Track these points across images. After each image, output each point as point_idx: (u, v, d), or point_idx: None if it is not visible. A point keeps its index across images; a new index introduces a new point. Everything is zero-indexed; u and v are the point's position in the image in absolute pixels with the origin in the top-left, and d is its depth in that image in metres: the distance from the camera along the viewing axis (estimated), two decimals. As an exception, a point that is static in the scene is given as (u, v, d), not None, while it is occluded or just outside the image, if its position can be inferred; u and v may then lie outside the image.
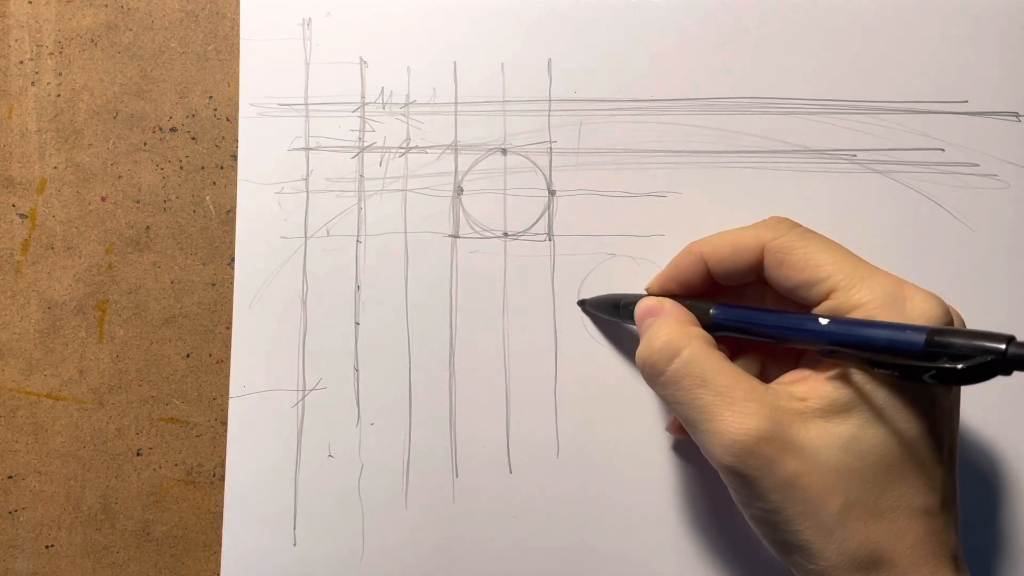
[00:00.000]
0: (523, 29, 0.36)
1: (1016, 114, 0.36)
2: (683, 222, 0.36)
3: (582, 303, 0.35)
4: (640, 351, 0.30)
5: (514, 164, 0.36)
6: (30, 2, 0.37)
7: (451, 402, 0.36)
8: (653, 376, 0.29)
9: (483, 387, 0.36)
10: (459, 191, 0.36)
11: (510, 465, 0.35)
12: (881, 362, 0.25)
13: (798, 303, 0.29)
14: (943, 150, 0.36)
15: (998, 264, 0.35)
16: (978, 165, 0.36)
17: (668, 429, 0.35)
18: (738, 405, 0.27)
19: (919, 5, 0.36)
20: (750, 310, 0.29)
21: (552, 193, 0.36)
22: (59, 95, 0.37)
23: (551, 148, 0.36)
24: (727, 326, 0.30)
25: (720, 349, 0.29)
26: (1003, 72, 0.36)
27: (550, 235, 0.36)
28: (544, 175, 0.36)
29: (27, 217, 0.37)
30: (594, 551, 0.35)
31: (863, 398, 0.26)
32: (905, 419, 0.26)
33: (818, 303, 0.28)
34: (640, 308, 0.31)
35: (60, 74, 0.37)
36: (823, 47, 0.36)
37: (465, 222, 0.36)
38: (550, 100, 0.36)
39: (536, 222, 0.36)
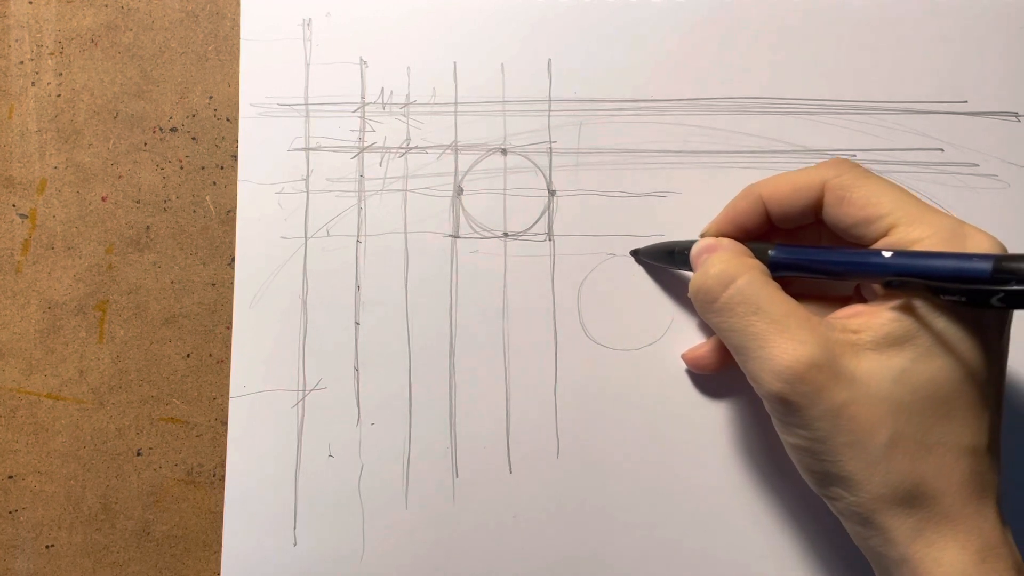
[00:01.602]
0: (523, 29, 0.36)
1: (1016, 114, 0.36)
2: (683, 222, 0.36)
3: (635, 252, 0.35)
4: (694, 279, 0.30)
5: (514, 164, 0.36)
6: (30, 2, 0.37)
7: (451, 402, 0.36)
8: (707, 302, 0.29)
9: (483, 387, 0.36)
10: (459, 191, 0.36)
11: (510, 465, 0.35)
12: (947, 288, 0.25)
13: (855, 243, 0.30)
14: (943, 150, 0.36)
15: (998, 264, 0.35)
16: (978, 165, 0.36)
17: (685, 357, 0.35)
18: (791, 333, 0.27)
19: (919, 5, 0.36)
20: (810, 248, 0.30)
21: (552, 193, 0.36)
22: (59, 95, 0.37)
23: (551, 148, 0.36)
24: (788, 264, 0.30)
25: None
26: (1003, 72, 0.36)
27: (550, 235, 0.36)
28: (544, 175, 0.36)
29: (27, 217, 0.37)
30: (593, 551, 0.35)
31: (920, 329, 0.27)
32: (957, 356, 0.26)
33: (876, 240, 0.28)
34: (697, 247, 0.32)
35: (60, 74, 0.37)
36: (823, 47, 0.36)
37: (465, 222, 0.36)
38: (550, 100, 0.36)
39: (536, 222, 0.36)
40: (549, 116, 0.36)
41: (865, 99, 0.36)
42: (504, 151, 0.36)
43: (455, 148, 0.36)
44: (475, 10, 0.36)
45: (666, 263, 0.35)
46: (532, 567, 0.35)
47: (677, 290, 0.36)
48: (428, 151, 0.36)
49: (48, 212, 0.37)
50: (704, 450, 0.35)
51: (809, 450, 0.28)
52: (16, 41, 0.37)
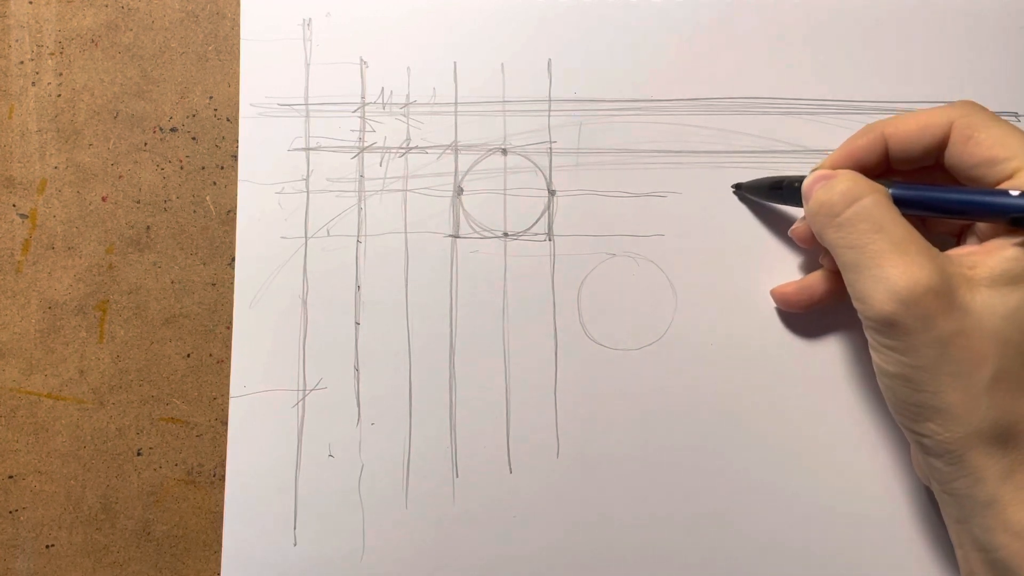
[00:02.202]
0: (523, 29, 0.36)
1: (1016, 114, 0.36)
2: (683, 222, 0.36)
3: (737, 186, 0.35)
4: (818, 195, 0.30)
5: (514, 164, 0.36)
6: (30, 2, 0.37)
7: (451, 402, 0.36)
8: (829, 216, 0.29)
9: (483, 387, 0.36)
10: (459, 191, 0.36)
11: (510, 465, 0.35)
12: None
13: (974, 185, 0.30)
14: (943, 150, 0.36)
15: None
16: (978, 165, 0.36)
17: (774, 293, 0.35)
18: (910, 256, 0.27)
19: (919, 5, 0.36)
20: (930, 187, 0.30)
21: (552, 193, 0.36)
22: (59, 95, 0.37)
23: (551, 148, 0.36)
24: (908, 201, 0.29)
25: None
26: (1003, 72, 0.36)
27: (550, 235, 0.36)
28: (544, 175, 0.36)
29: (27, 217, 0.37)
30: (593, 551, 0.35)
31: None
32: None
33: (996, 184, 0.29)
34: (812, 176, 0.31)
35: (60, 74, 0.37)
36: (823, 47, 0.36)
37: (465, 222, 0.36)
38: (550, 100, 0.36)
39: (536, 222, 0.36)
40: (549, 116, 0.36)
41: (865, 99, 0.36)
42: (504, 151, 0.36)
43: (455, 148, 0.36)
44: (475, 10, 0.36)
45: (771, 199, 0.34)
46: (532, 567, 0.35)
47: (678, 289, 0.36)
48: (428, 151, 0.36)
49: (48, 212, 0.37)
50: (704, 450, 0.35)
51: (908, 379, 0.28)
52: (16, 41, 0.37)
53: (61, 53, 0.37)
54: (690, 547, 0.35)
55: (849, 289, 0.29)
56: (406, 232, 0.36)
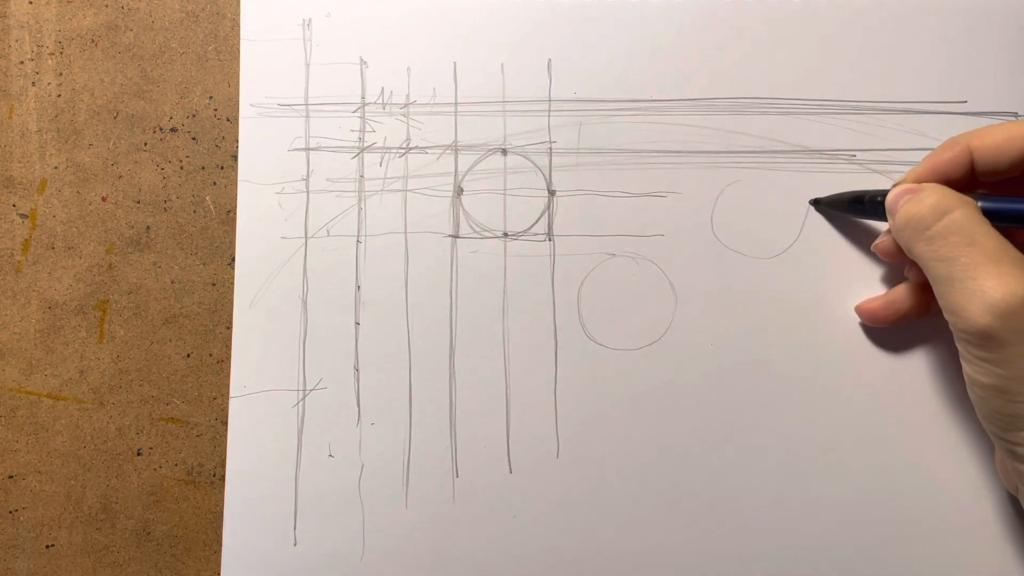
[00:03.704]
0: (523, 29, 0.36)
1: (1015, 114, 0.36)
2: (683, 222, 0.36)
3: (815, 201, 0.35)
4: (907, 208, 0.30)
5: (514, 164, 0.36)
6: (30, 2, 0.37)
7: (451, 402, 0.36)
8: (918, 230, 0.29)
9: (483, 387, 0.36)
10: (459, 191, 0.36)
11: (510, 465, 0.35)
12: None
13: None
14: (943, 150, 0.36)
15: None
16: (978, 165, 0.36)
17: (859, 309, 0.34)
18: (1005, 268, 0.27)
19: (919, 5, 0.36)
20: (1019, 199, 0.29)
21: (552, 193, 0.36)
22: (59, 95, 0.37)
23: (551, 148, 0.36)
24: (995, 214, 0.29)
25: None
26: (1003, 72, 0.36)
27: (550, 235, 0.36)
28: (544, 175, 0.36)
29: (27, 217, 0.37)
30: (593, 551, 0.35)
31: None
32: None
33: None
34: (897, 190, 0.31)
35: (60, 74, 0.37)
36: (823, 47, 0.36)
37: (465, 222, 0.36)
38: (550, 100, 0.36)
39: (536, 222, 0.36)
40: (549, 116, 0.36)
41: (865, 99, 0.36)
42: (504, 151, 0.36)
43: (455, 148, 0.36)
44: (475, 10, 0.36)
45: (852, 212, 0.34)
46: (532, 567, 0.35)
47: (678, 289, 0.36)
48: (428, 151, 0.36)
49: (48, 212, 0.37)
50: (703, 450, 0.35)
51: (1003, 390, 0.27)
52: (16, 41, 0.37)
53: (61, 53, 0.37)
54: (690, 547, 0.35)
55: (940, 302, 0.29)
56: (406, 232, 0.36)
